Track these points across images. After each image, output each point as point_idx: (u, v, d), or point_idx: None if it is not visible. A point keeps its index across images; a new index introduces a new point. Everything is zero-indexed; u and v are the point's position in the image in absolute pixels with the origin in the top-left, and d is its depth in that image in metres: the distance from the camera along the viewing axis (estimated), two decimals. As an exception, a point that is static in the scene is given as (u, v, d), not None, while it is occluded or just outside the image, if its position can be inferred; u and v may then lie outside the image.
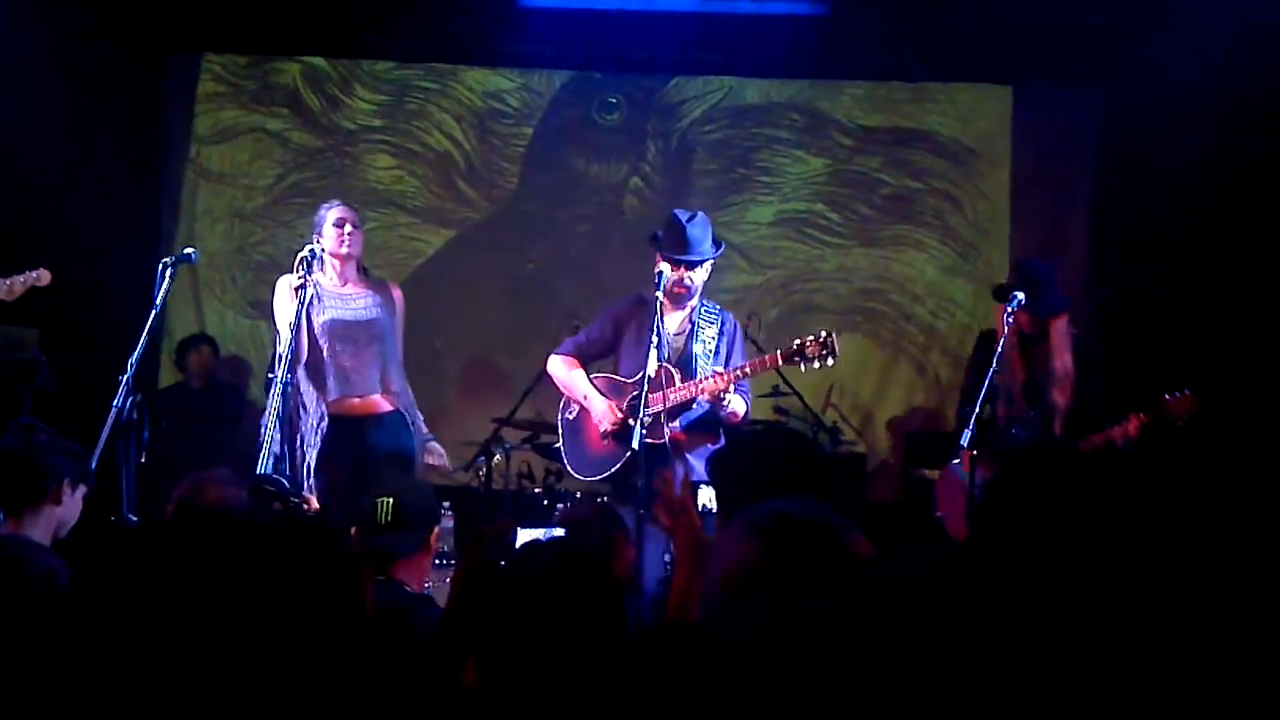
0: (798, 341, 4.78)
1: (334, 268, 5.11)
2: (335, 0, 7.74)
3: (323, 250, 5.04)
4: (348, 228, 5.09)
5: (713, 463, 3.09)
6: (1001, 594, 1.29)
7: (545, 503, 6.37)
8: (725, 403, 4.83)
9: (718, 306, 5.20)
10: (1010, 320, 4.72)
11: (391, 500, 3.19)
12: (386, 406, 5.08)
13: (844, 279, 7.98)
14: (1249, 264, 6.65)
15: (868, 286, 7.97)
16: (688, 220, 4.94)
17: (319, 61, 8.13)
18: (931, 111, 7.98)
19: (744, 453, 2.97)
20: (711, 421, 4.98)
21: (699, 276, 5.01)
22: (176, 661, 1.79)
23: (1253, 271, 6.64)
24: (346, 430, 5.02)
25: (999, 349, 4.71)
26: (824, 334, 4.73)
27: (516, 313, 7.92)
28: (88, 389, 5.72)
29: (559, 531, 2.48)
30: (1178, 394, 4.73)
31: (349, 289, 5.12)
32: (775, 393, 6.85)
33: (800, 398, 6.95)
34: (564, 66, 8.10)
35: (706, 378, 4.85)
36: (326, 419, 4.96)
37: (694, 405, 4.91)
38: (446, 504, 5.06)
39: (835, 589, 1.31)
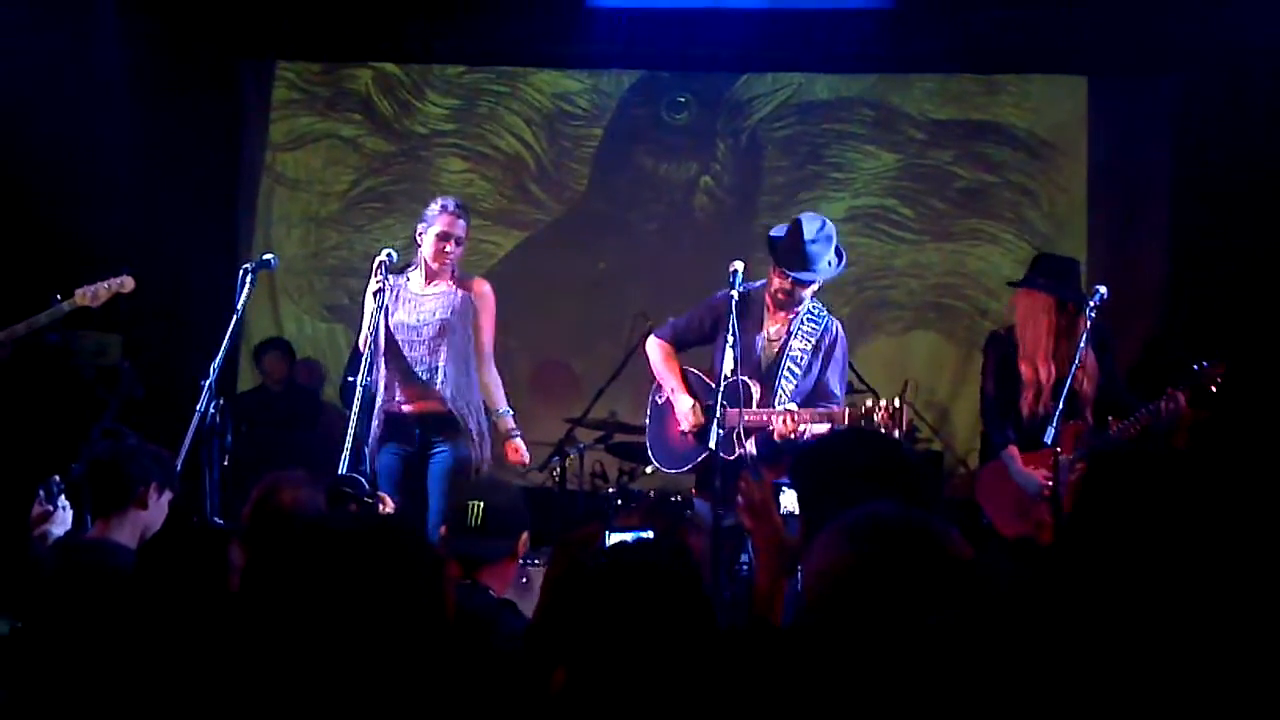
0: (867, 404, 4.66)
1: (423, 267, 5.11)
2: (405, 6, 7.81)
3: (418, 245, 5.08)
4: (449, 246, 5.04)
5: (795, 464, 3.06)
6: (1109, 595, 1.26)
7: (619, 502, 6.36)
8: (803, 435, 4.63)
9: (826, 313, 4.99)
10: (1093, 315, 4.70)
11: (481, 504, 3.16)
12: (440, 407, 5.03)
13: (918, 275, 7.88)
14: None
15: (942, 282, 7.86)
16: (811, 237, 4.69)
17: (390, 67, 8.21)
18: (1005, 103, 7.86)
19: (826, 454, 2.93)
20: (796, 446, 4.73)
21: (808, 288, 4.84)
22: (249, 663, 1.80)
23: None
24: (401, 428, 5.04)
25: (1080, 344, 4.70)
26: (896, 403, 4.58)
27: (588, 313, 7.94)
28: (170, 394, 5.82)
29: (647, 534, 2.46)
30: (1206, 364, 4.71)
31: (428, 290, 5.11)
32: (849, 390, 6.78)
33: (875, 395, 6.86)
34: (632, 66, 8.10)
35: (778, 415, 4.67)
36: (384, 416, 5.01)
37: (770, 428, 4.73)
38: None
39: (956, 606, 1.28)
